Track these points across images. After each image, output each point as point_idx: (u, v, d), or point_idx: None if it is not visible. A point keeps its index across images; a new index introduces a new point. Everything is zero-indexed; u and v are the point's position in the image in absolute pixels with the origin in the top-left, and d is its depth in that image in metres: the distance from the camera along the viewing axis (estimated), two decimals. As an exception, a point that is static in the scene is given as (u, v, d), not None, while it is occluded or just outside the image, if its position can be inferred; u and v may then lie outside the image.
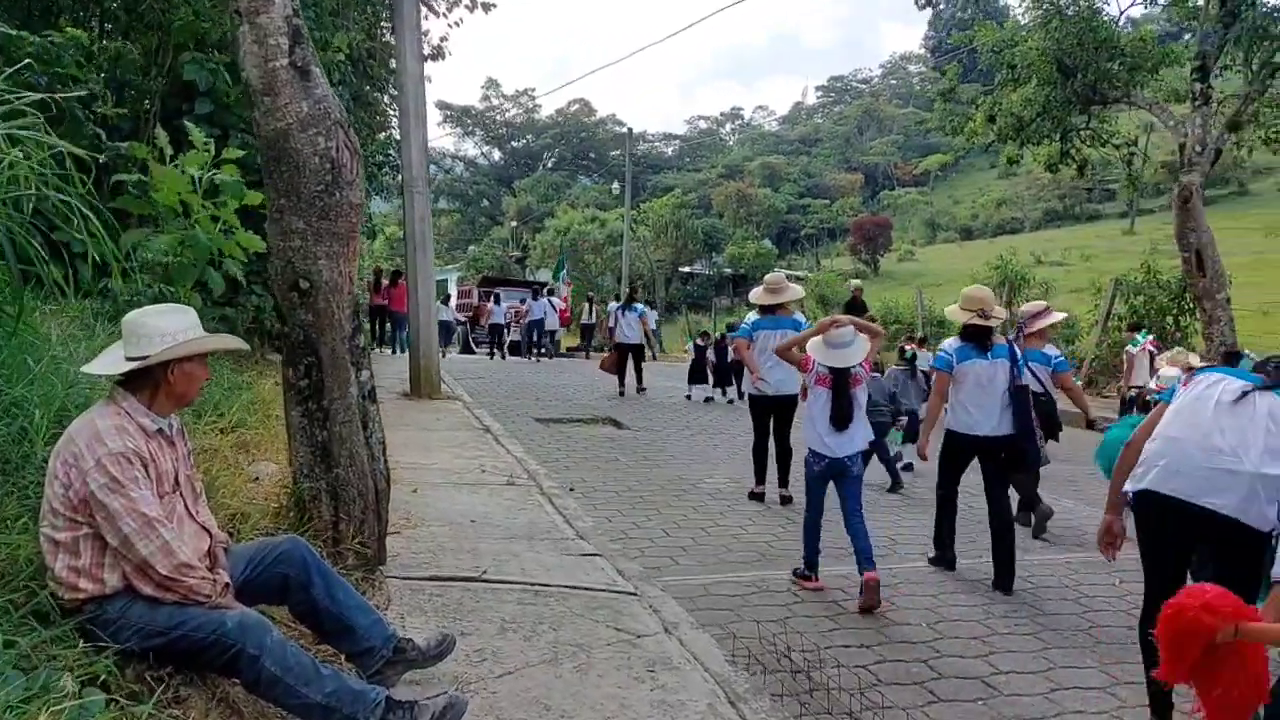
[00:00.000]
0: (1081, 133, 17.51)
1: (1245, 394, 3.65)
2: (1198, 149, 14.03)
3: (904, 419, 10.01)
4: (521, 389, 16.17)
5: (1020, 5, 17.20)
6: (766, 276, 8.51)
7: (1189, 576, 3.87)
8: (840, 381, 5.81)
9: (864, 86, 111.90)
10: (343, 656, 3.56)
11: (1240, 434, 3.60)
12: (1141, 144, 18.36)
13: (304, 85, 4.19)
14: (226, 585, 3.12)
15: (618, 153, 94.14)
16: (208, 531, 3.27)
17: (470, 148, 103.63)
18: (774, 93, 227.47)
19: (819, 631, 5.10)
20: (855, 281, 18.98)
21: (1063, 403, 7.26)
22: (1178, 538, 3.75)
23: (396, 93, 15.11)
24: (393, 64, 16.61)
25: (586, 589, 4.91)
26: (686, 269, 49.25)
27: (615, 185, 50.13)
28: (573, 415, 13.22)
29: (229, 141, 9.17)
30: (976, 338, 6.37)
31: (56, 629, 2.82)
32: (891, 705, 4.11)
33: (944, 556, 6.53)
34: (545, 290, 28.91)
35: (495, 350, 26.73)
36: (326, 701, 2.95)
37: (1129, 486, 3.91)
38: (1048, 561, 6.74)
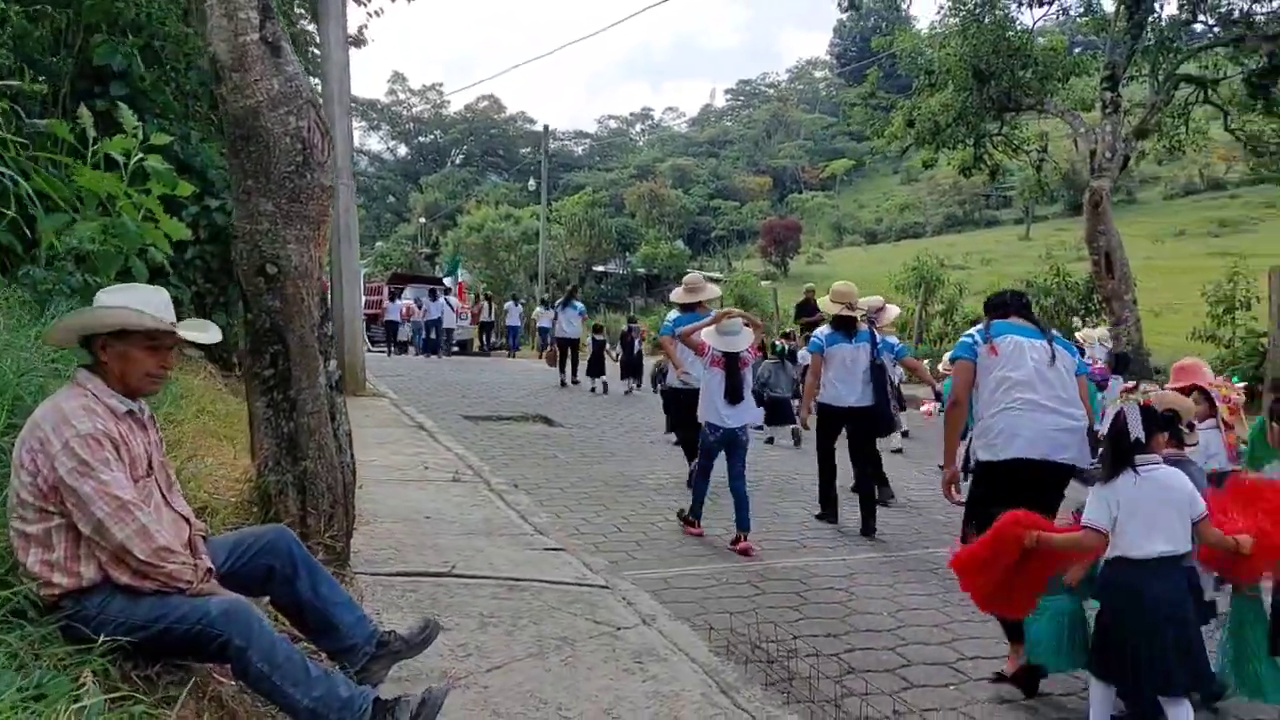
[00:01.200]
0: (994, 138, 18.05)
1: (1054, 357, 4.35)
2: (1108, 155, 14.60)
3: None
4: (445, 386, 15.95)
5: (938, 14, 17.67)
6: (685, 277, 9.07)
7: None
8: (731, 364, 6.77)
9: (771, 90, 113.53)
10: (324, 654, 3.42)
11: (1064, 394, 4.30)
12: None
13: (275, 61, 4.03)
14: (210, 570, 2.97)
15: (528, 150, 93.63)
16: (186, 520, 3.10)
17: (375, 143, 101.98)
18: (683, 94, 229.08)
19: (786, 622, 5.11)
20: (809, 285, 19.51)
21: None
22: (1030, 491, 4.21)
23: (318, 81, 14.73)
24: (312, 51, 16.20)
25: (558, 583, 4.84)
26: (601, 268, 49.16)
27: (531, 182, 49.75)
28: (501, 413, 13.08)
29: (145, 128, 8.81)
30: (844, 326, 7.59)
31: (41, 627, 2.64)
32: (874, 691, 4.15)
33: (827, 512, 7.59)
34: (443, 290, 29.23)
35: (389, 347, 26.68)
36: (313, 706, 2.80)
37: (987, 456, 4.41)
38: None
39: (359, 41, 16.76)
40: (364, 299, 30.76)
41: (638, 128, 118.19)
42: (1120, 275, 14.46)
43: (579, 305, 18.14)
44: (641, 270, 50.77)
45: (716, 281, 32.68)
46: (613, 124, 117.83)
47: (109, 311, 2.97)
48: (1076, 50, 19.43)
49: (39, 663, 2.51)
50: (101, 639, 2.65)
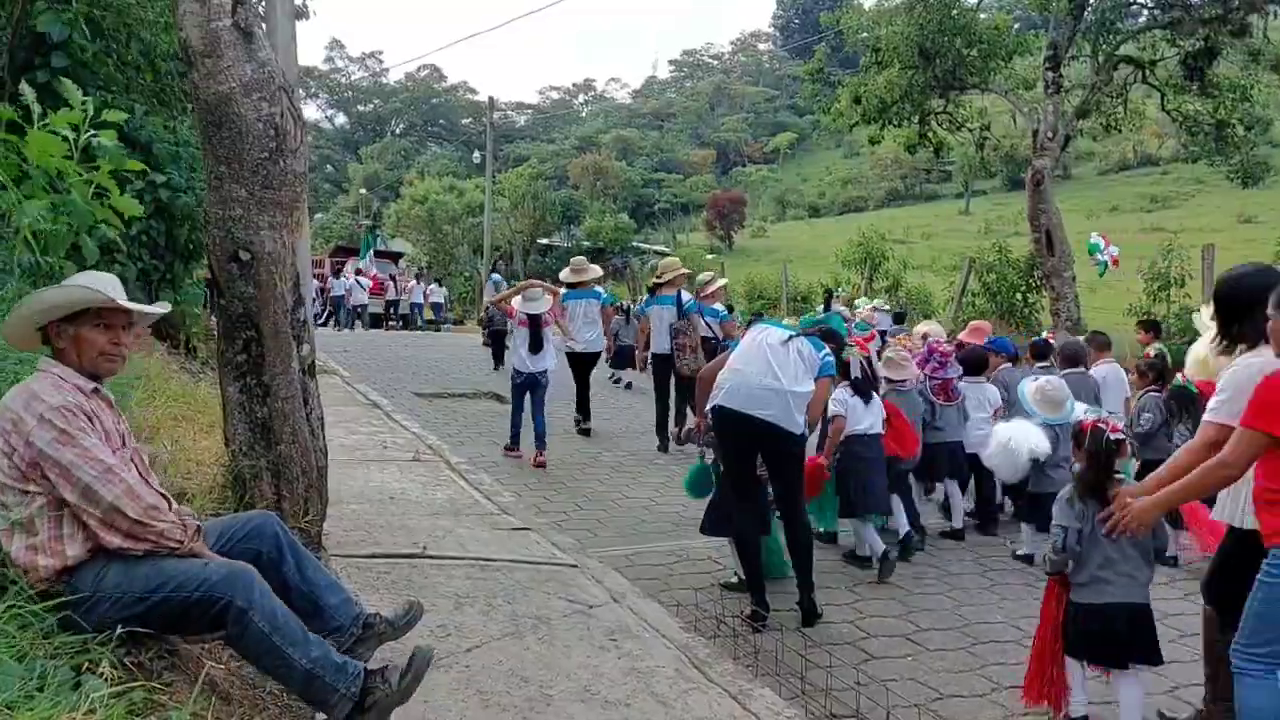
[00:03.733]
0: (939, 116, 18.33)
1: (788, 340, 5.15)
2: (1049, 135, 14.94)
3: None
4: (393, 363, 15.84)
5: (882, -11, 17.83)
6: (572, 260, 11.11)
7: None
8: (534, 323, 8.41)
9: (715, 62, 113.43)
10: (310, 635, 3.47)
11: (781, 366, 5.02)
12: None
13: (248, 48, 4.02)
14: (199, 529, 3.02)
15: (469, 120, 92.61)
16: (166, 498, 3.14)
17: (313, 111, 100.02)
18: (626, 64, 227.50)
19: (748, 597, 5.28)
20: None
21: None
22: (738, 438, 5.09)
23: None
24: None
25: (529, 562, 4.94)
26: (545, 241, 48.86)
27: (476, 154, 49.18)
28: (453, 390, 13.05)
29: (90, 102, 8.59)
30: (655, 291, 10.11)
31: (40, 618, 2.66)
32: (838, 663, 4.32)
33: (663, 442, 9.53)
34: (354, 270, 30.37)
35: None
36: (310, 667, 2.84)
37: (709, 404, 5.21)
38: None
39: (302, 14, 16.43)
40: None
41: (580, 98, 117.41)
42: (1060, 253, 14.84)
43: (495, 276, 20.68)
44: (587, 244, 50.57)
45: (662, 255, 33.40)
46: (555, 95, 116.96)
47: (44, 294, 2.99)
48: (1017, 25, 19.74)
49: (39, 653, 2.54)
50: (88, 625, 2.70)
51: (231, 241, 4.10)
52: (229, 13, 3.95)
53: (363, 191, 67.98)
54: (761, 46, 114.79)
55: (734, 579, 5.51)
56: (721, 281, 11.06)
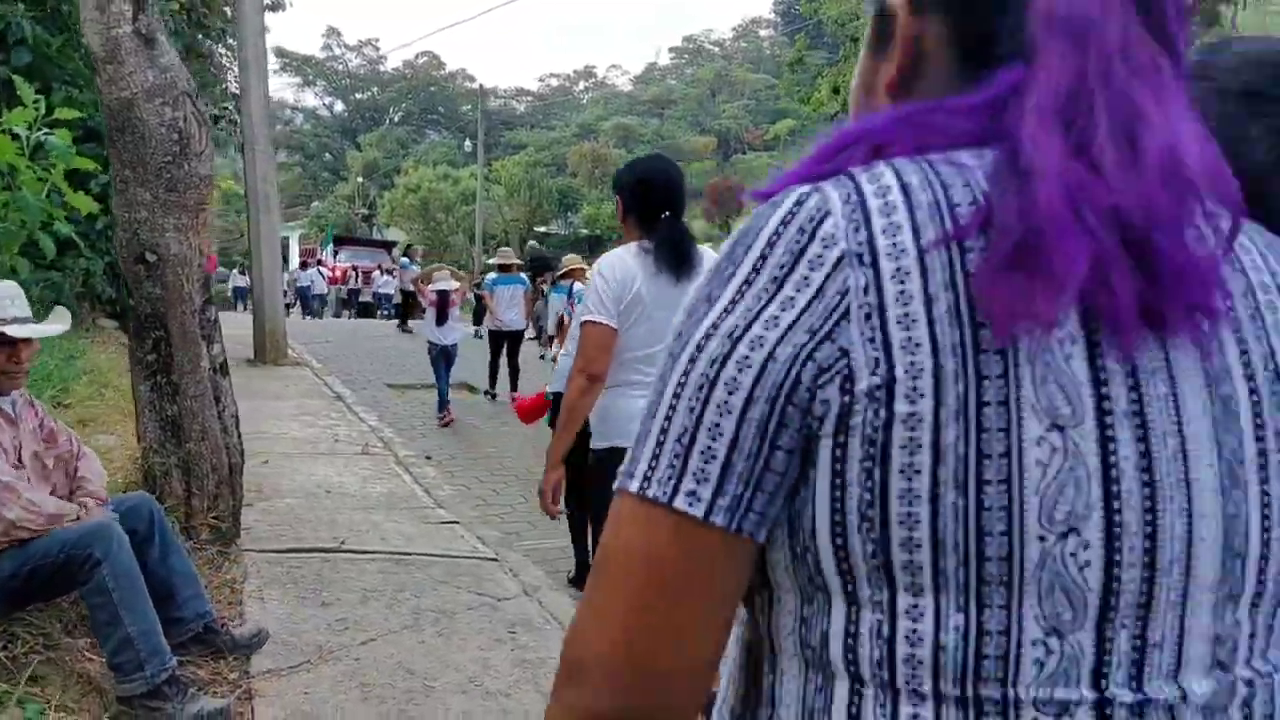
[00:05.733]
0: (918, 105, 18.31)
1: None
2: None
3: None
4: (371, 355, 15.94)
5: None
6: (500, 249, 13.10)
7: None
8: (442, 299, 10.00)
9: (716, 49, 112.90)
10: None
11: None
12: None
13: (149, 54, 4.08)
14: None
15: (468, 108, 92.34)
16: (71, 492, 3.25)
17: (311, 99, 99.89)
18: (627, 49, 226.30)
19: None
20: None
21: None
22: None
23: (234, 44, 14.48)
24: (228, 12, 15.86)
25: (448, 556, 5.02)
26: (541, 229, 48.85)
27: (467, 143, 49.20)
28: (426, 381, 13.06)
29: (52, 95, 8.65)
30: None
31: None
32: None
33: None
34: (316, 260, 31.73)
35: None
36: (132, 635, 2.93)
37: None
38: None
39: (277, 5, 16.44)
40: (298, 262, 31.40)
41: (581, 85, 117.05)
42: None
43: (404, 260, 22.80)
44: (584, 232, 50.55)
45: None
46: (554, 82, 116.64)
47: None
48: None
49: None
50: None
51: (138, 243, 4.18)
52: (130, 20, 4.02)
53: (360, 180, 67.91)
54: (763, 33, 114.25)
55: None
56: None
